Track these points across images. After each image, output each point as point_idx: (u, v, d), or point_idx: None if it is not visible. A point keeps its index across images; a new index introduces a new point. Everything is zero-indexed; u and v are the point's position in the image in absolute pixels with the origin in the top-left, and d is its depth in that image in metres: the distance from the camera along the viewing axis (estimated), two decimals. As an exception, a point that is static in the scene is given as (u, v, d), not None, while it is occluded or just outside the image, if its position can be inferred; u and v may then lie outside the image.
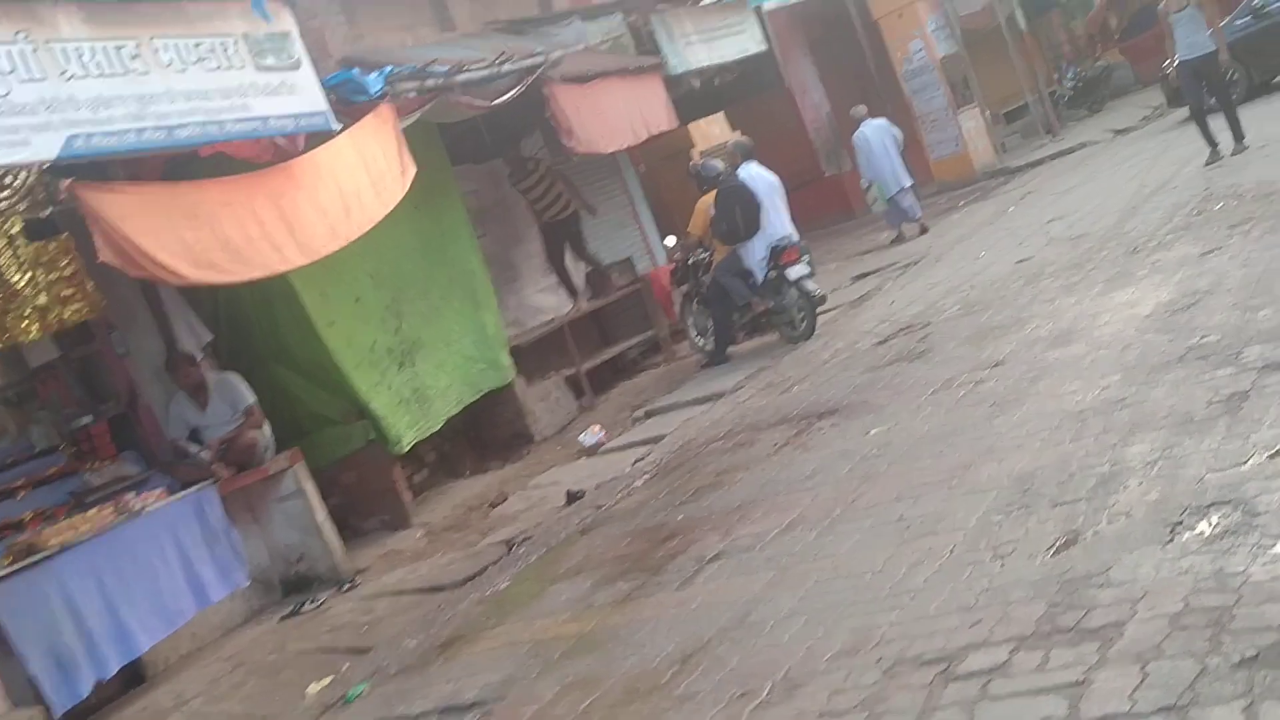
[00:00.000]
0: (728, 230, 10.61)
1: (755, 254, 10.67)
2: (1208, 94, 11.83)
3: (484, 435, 10.93)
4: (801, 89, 20.58)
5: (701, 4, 13.57)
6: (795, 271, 10.58)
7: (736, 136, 16.07)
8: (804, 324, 10.73)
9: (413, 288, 9.92)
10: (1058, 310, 7.94)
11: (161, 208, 6.90)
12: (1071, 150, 18.14)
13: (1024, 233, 11.99)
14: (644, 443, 9.32)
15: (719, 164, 11.14)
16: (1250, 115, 12.21)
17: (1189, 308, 6.66)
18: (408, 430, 9.40)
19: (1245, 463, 4.27)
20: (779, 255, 10.60)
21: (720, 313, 11.08)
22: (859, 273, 13.76)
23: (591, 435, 9.94)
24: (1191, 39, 11.76)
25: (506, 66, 9.72)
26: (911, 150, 18.65)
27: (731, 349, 11.35)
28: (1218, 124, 11.48)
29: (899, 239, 15.68)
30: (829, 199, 20.81)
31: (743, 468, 7.21)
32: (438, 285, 10.13)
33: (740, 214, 10.52)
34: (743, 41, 13.82)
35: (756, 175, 10.82)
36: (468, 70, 9.28)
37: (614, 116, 10.92)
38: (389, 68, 8.77)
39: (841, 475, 6.21)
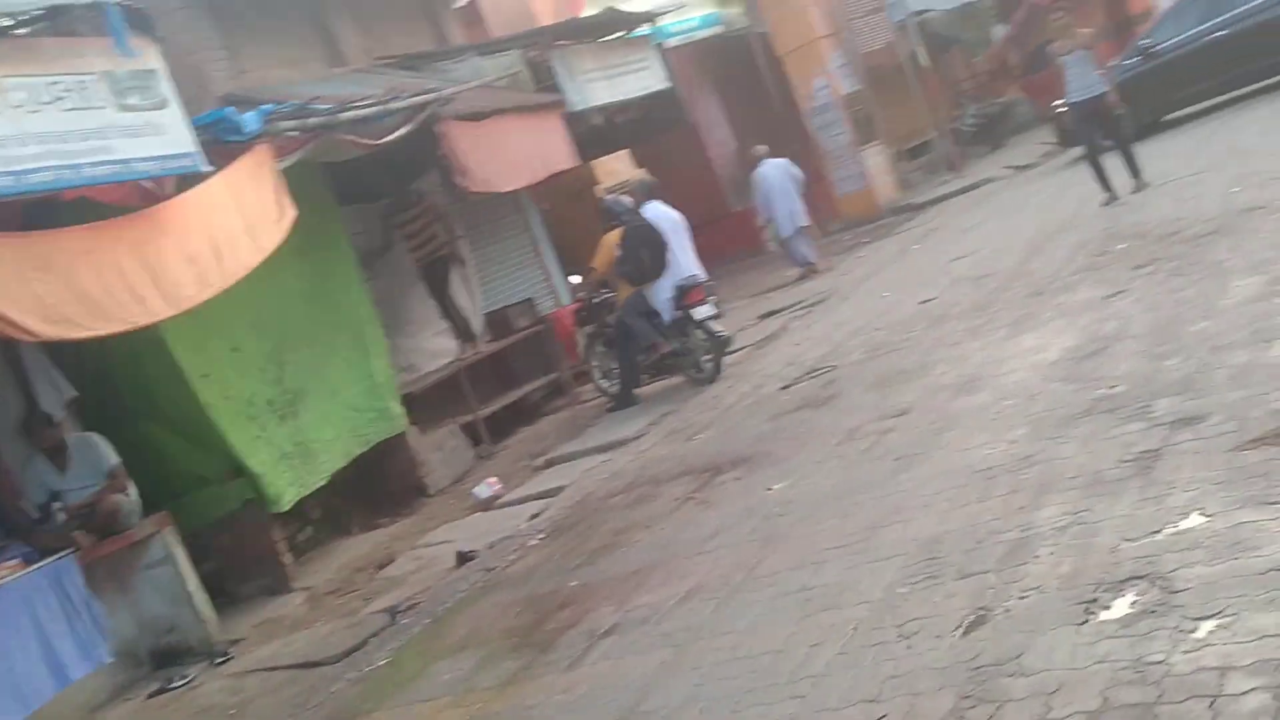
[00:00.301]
0: (634, 270, 10.30)
1: (661, 294, 10.36)
2: (1102, 135, 11.71)
3: (375, 488, 10.43)
4: (708, 126, 20.50)
5: (602, 40, 13.29)
6: (701, 312, 10.30)
7: (642, 174, 15.89)
8: (710, 366, 10.44)
9: (297, 335, 9.43)
10: (963, 355, 7.74)
11: (10, 259, 6.37)
12: (974, 187, 18.20)
13: (928, 272, 11.86)
14: (541, 496, 8.92)
15: (628, 200, 10.83)
16: (1143, 154, 12.22)
17: (1095, 355, 6.47)
18: (289, 488, 8.90)
19: (1160, 531, 4.02)
20: (685, 295, 10.31)
21: (625, 354, 10.75)
22: (766, 311, 13.54)
23: (487, 488, 9.52)
24: (1082, 80, 11.68)
25: (395, 104, 9.32)
26: (816, 187, 18.62)
27: (637, 391, 11.03)
28: (1114, 164, 11.42)
29: (803, 275, 15.56)
30: (737, 235, 20.66)
31: (642, 526, 6.86)
32: (324, 332, 9.66)
33: (647, 253, 10.22)
34: (645, 79, 13.57)
35: (661, 214, 10.55)
36: (353, 108, 8.86)
37: (511, 155, 10.56)
38: (268, 106, 8.33)
39: (743, 537, 5.89)
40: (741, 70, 20.37)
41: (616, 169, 15.62)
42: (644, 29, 13.78)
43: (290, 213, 8.18)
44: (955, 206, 17.17)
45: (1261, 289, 6.42)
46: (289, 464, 9.02)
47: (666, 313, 10.35)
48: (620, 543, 6.70)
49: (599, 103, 12.51)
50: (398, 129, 9.48)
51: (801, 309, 12.90)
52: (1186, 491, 4.25)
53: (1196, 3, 15.66)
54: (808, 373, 9.21)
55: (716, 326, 10.38)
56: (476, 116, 10.19)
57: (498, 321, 12.36)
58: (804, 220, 15.56)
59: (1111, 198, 11.19)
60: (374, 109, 9.06)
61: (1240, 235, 7.88)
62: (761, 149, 16.15)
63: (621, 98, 12.98)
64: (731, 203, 20.70)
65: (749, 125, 20.58)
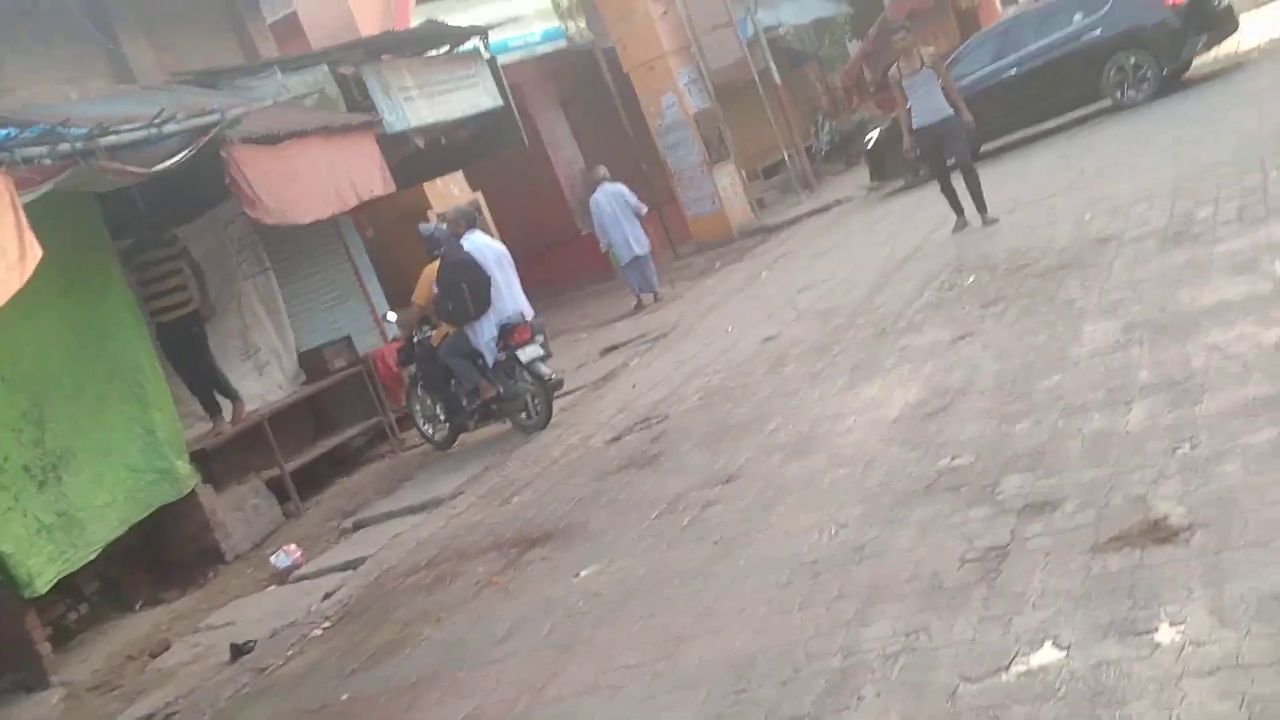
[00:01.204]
0: (454, 309, 9.36)
1: (484, 334, 9.45)
2: (950, 160, 11.04)
3: (163, 555, 9.28)
4: (554, 144, 19.69)
5: (427, 56, 12.31)
6: (528, 353, 9.41)
7: (464, 202, 14.96)
8: (539, 412, 9.55)
9: (60, 389, 8.25)
10: (800, 406, 7.01)
11: None
12: (827, 208, 17.72)
13: (774, 303, 11.19)
14: (342, 568, 7.93)
15: (445, 229, 9.86)
16: (992, 176, 11.78)
17: (939, 413, 5.78)
18: (49, 565, 7.74)
19: (1007, 668, 3.27)
20: (510, 335, 9.41)
21: (448, 398, 9.81)
22: (608, 345, 12.73)
23: (286, 556, 8.47)
24: (928, 103, 10.87)
25: (170, 126, 8.21)
26: (669, 209, 17.91)
27: (464, 436, 10.11)
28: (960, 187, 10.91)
29: (639, 306, 14.92)
30: (586, 258, 19.82)
31: (434, 618, 5.94)
32: (94, 384, 8.49)
33: (468, 290, 9.29)
34: (475, 96, 12.62)
35: (483, 245, 9.61)
36: (115, 131, 7.73)
37: (313, 181, 9.51)
38: (6, 130, 7.17)
39: (539, 639, 5.01)
40: (588, 87, 19.59)
41: (449, 192, 14.63)
42: (472, 44, 12.84)
43: (35, 251, 6.99)
44: (808, 229, 16.64)
45: (1116, 336, 5.81)
46: (49, 538, 7.85)
47: (490, 354, 9.44)
48: (407, 639, 5.77)
49: (421, 123, 11.51)
50: (176, 154, 8.37)
51: (644, 343, 12.13)
52: (1038, 609, 3.51)
53: (987, 42, 15.50)
54: (639, 421, 8.39)
55: (545, 369, 9.50)
56: (271, 139, 9.12)
57: (314, 362, 11.26)
58: (641, 248, 14.85)
59: (963, 223, 10.66)
60: (141, 133, 7.94)
61: (1092, 270, 7.32)
62: (601, 171, 15.44)
63: (447, 117, 12.00)
64: (580, 225, 19.89)
65: (597, 144, 19.82)
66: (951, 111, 10.87)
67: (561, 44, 18.13)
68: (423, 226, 9.83)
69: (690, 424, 7.74)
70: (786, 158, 20.42)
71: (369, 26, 14.11)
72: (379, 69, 11.15)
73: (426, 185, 14.25)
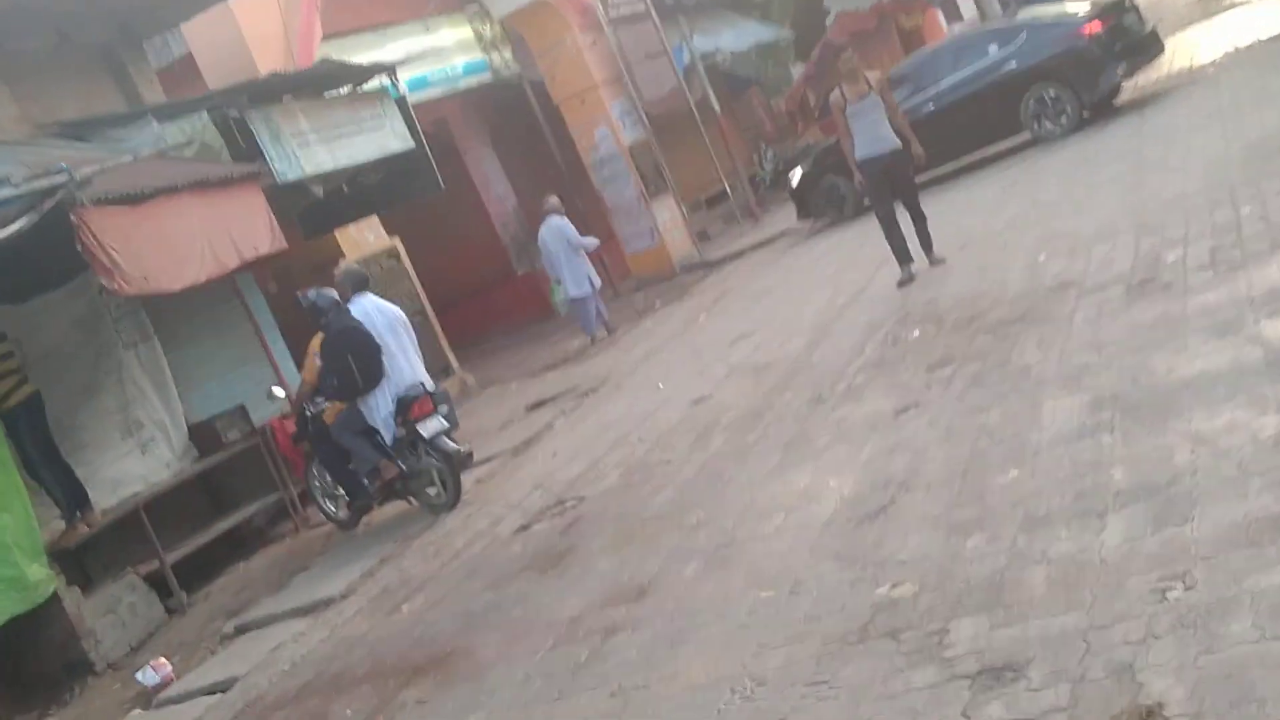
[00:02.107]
0: (340, 386, 8.39)
1: (380, 409, 8.47)
2: (895, 197, 9.86)
3: (24, 669, 8.23)
4: (485, 182, 18.80)
5: (329, 96, 11.34)
6: (430, 427, 8.45)
7: (394, 244, 13.99)
8: (447, 491, 8.58)
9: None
10: (724, 496, 6.10)
11: None
12: (770, 241, 16.90)
13: (708, 354, 10.31)
14: (210, 689, 6.92)
15: (332, 294, 8.88)
16: (942, 206, 10.97)
17: (878, 514, 4.88)
18: None
19: None
20: (409, 408, 8.44)
21: (347, 478, 8.81)
22: (537, 399, 11.78)
23: (153, 673, 7.44)
24: (875, 132, 9.66)
25: (4, 191, 7.22)
26: (607, 245, 16.98)
27: (372, 512, 9.13)
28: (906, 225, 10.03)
29: (594, 342, 14.18)
30: (524, 300, 18.99)
31: (286, 780, 4.94)
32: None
33: (355, 363, 8.32)
34: (383, 139, 11.66)
35: (373, 310, 8.62)
36: (-67, 198, 6.73)
37: (185, 243, 8.52)
38: None
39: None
40: (519, 120, 18.72)
41: (364, 239, 13.64)
42: (379, 82, 11.89)
43: None
44: (751, 264, 15.81)
45: (1081, 417, 4.94)
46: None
47: (388, 431, 8.46)
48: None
49: (318, 170, 10.53)
50: (15, 220, 7.37)
51: (573, 399, 11.19)
52: None
53: (905, 76, 14.79)
54: (553, 505, 7.46)
55: (450, 443, 8.52)
56: (133, 198, 8.11)
57: (205, 435, 10.24)
58: (578, 289, 14.04)
59: (909, 278, 9.48)
60: (-35, 198, 6.95)
61: (1050, 325, 6.47)
62: (549, 202, 14.59)
63: (349, 163, 11.04)
64: (516, 264, 18.98)
65: (532, 181, 18.92)
66: (899, 143, 9.72)
67: (487, 77, 17.21)
68: (304, 294, 8.82)
69: (605, 511, 6.81)
70: (728, 188, 19.57)
71: (270, 66, 13.13)
72: (269, 113, 10.17)
73: (339, 233, 13.22)
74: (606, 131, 17.53)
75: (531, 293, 18.84)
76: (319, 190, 10.84)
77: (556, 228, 14.32)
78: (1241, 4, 18.72)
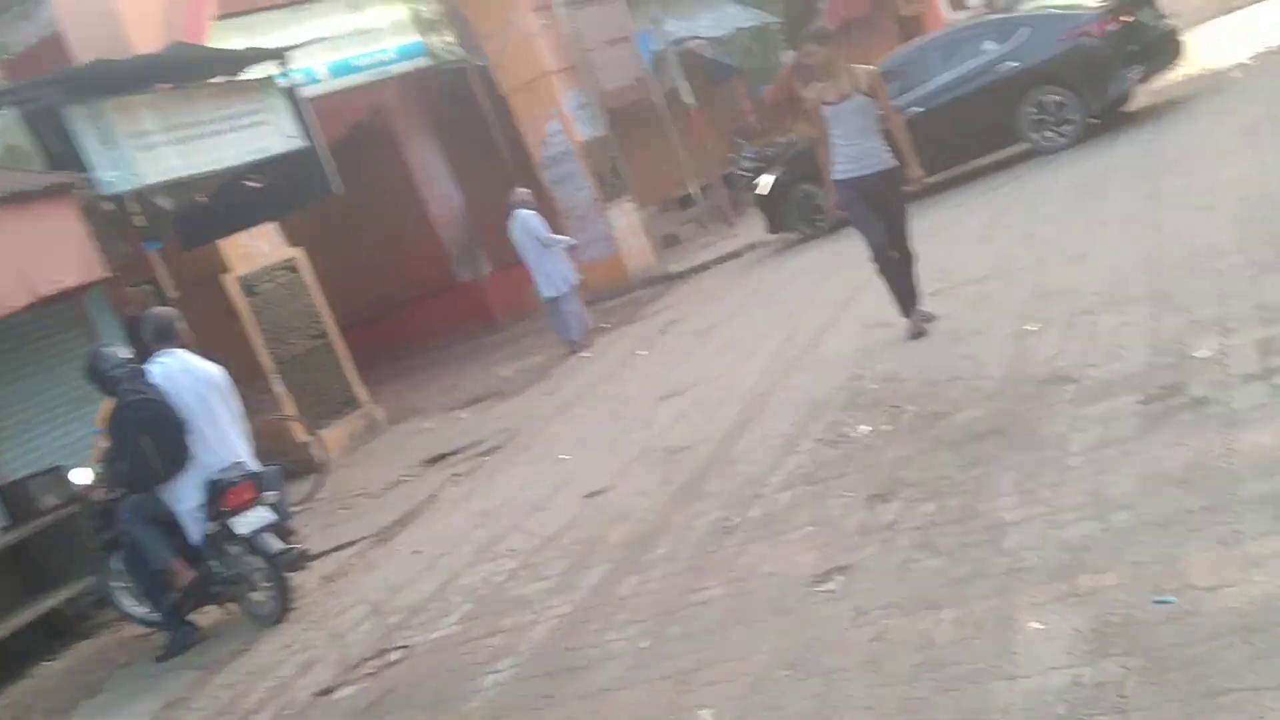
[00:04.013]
0: (132, 473, 6.60)
1: (185, 498, 6.68)
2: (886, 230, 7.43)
3: None
4: (426, 178, 16.98)
5: (181, 88, 9.48)
6: (249, 522, 6.65)
7: (295, 255, 12.16)
8: (272, 601, 6.79)
9: None
10: (571, 686, 4.29)
11: None
12: (737, 254, 15.12)
13: (630, 415, 8.53)
14: None
15: (122, 352, 7.07)
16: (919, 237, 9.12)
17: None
18: None
19: None
20: (221, 496, 6.64)
21: (144, 577, 7.03)
22: (438, 452, 10.00)
23: None
24: (861, 145, 7.23)
25: None
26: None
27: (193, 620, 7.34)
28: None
29: (574, 352, 12.56)
30: (467, 308, 17.22)
31: None
32: None
33: (155, 443, 6.52)
34: (263, 137, 9.82)
35: (179, 373, 6.76)
36: None
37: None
38: None
39: None
40: (465, 112, 16.85)
41: (257, 249, 11.76)
42: (264, 69, 10.04)
43: None
44: (711, 281, 14.05)
45: (1076, 659, 3.14)
46: None
47: (195, 525, 6.67)
48: None
49: (166, 177, 8.73)
50: None
51: (474, 456, 9.44)
52: None
53: (888, 76, 12.88)
54: (375, 653, 5.66)
55: (275, 541, 6.72)
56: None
57: (18, 499, 8.46)
58: (551, 289, 12.54)
59: (920, 322, 7.24)
60: None
61: (1036, 451, 4.67)
62: (516, 194, 12.96)
63: (212, 167, 9.23)
64: (457, 270, 17.16)
65: (480, 178, 17.09)
66: (892, 162, 7.30)
67: (424, 62, 15.33)
68: (90, 353, 7.04)
69: (421, 684, 5.02)
70: (694, 191, 17.71)
71: (151, 49, 11.28)
72: (98, 110, 8.33)
73: (227, 244, 11.39)
74: (558, 126, 15.73)
75: (473, 301, 17.09)
76: (167, 203, 9.02)
77: (524, 221, 12.63)
78: (1264, -1, 16.89)
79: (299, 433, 11.26)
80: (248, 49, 10.02)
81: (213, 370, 6.88)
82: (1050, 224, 8.90)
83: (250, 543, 6.64)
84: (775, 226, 14.05)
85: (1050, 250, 8.00)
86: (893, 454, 5.32)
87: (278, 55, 10.45)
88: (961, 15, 29.04)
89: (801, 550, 4.66)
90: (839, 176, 7.38)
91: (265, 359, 11.43)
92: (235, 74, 9.91)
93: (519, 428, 9.79)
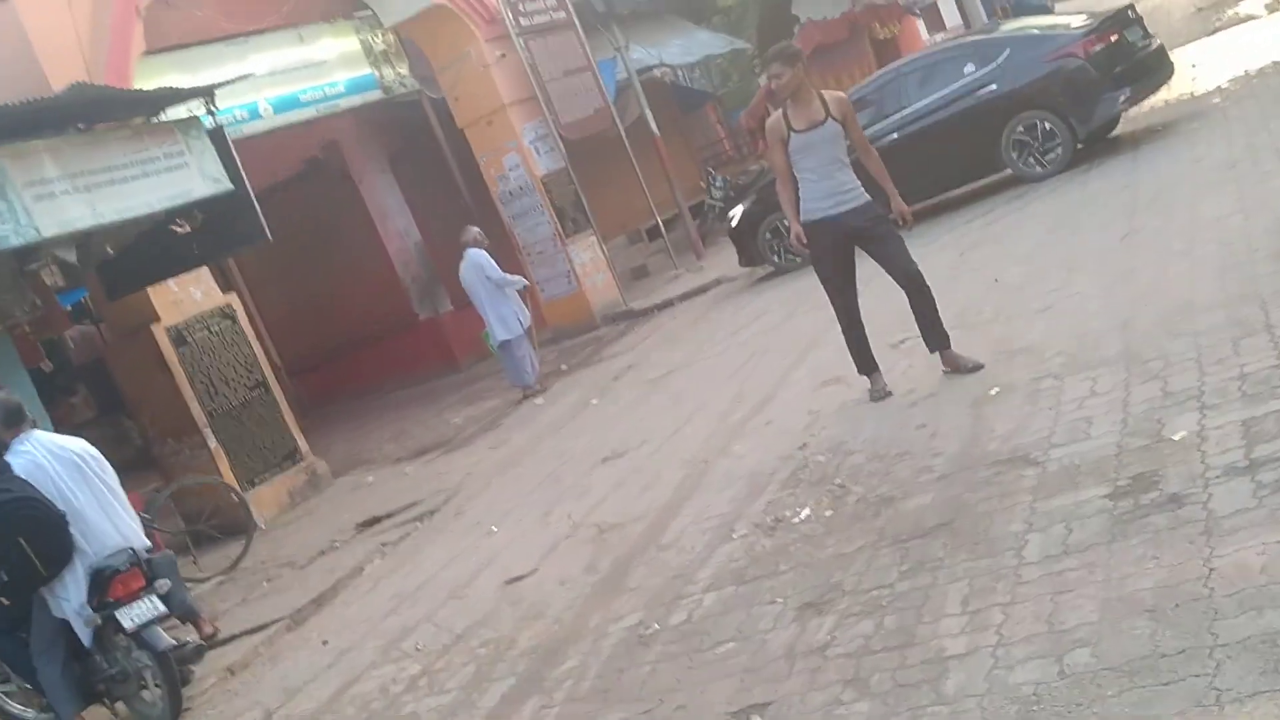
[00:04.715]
0: (13, 581, 5.91)
1: (69, 599, 5.99)
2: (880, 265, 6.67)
3: None
4: (382, 213, 16.35)
5: (99, 128, 8.87)
6: (136, 615, 5.98)
7: (230, 300, 11.52)
8: (162, 702, 6.12)
9: None
10: None
11: None
12: (704, 289, 14.51)
13: (568, 479, 7.93)
14: None
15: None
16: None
17: None
18: None
19: None
20: (108, 586, 5.98)
21: (26, 674, 6.36)
22: (371, 516, 9.35)
23: None
24: (832, 180, 6.39)
25: None
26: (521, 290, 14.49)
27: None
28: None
29: (527, 397, 12.01)
30: (426, 348, 16.56)
31: None
32: None
33: (31, 546, 5.84)
34: (184, 181, 9.17)
35: (46, 457, 6.05)
36: None
37: None
38: None
39: None
40: (421, 146, 16.27)
41: (189, 296, 11.10)
42: (182, 110, 9.43)
43: None
44: (676, 320, 13.45)
45: None
46: None
47: (82, 624, 5.99)
48: None
49: (70, 229, 8.07)
50: None
51: (408, 522, 8.80)
52: None
53: (863, 101, 12.36)
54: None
55: (163, 636, 6.08)
56: None
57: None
58: (506, 331, 11.95)
59: (879, 389, 6.58)
60: None
61: (989, 558, 4.06)
62: (468, 233, 12.35)
63: (125, 215, 8.55)
64: (418, 308, 16.54)
65: (438, 212, 16.49)
66: (866, 197, 6.50)
67: (376, 95, 14.73)
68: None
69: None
70: (660, 224, 17.11)
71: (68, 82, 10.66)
72: (-10, 157, 7.71)
73: (155, 291, 10.76)
74: (517, 159, 15.10)
75: (434, 340, 16.45)
76: (71, 255, 8.40)
77: (474, 262, 12.05)
78: (1245, 19, 16.42)
79: (233, 489, 10.62)
80: (161, 89, 9.40)
81: (79, 447, 6.20)
82: (1019, 266, 8.31)
83: (138, 637, 5.98)
84: (747, 259, 13.42)
85: (1016, 299, 7.40)
86: (832, 548, 4.70)
87: (203, 93, 9.84)
88: (939, 37, 28.69)
89: (720, 675, 4.03)
90: (810, 218, 6.49)
91: (198, 412, 10.79)
92: (154, 115, 9.30)
93: (458, 487, 9.17)
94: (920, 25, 27.95)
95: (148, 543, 6.31)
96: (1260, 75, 11.68)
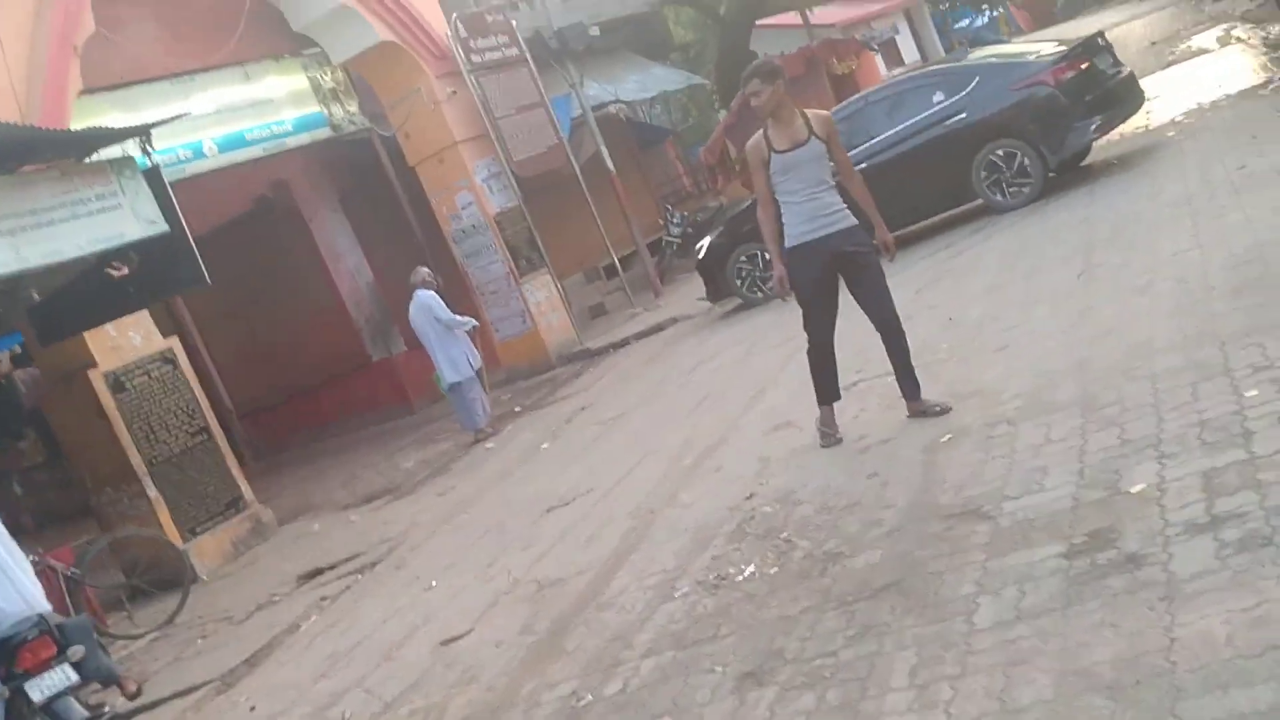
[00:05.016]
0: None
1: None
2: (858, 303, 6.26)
3: None
4: (333, 253, 16.07)
5: (27, 170, 8.56)
6: (48, 686, 5.62)
7: (170, 344, 11.17)
8: (76, 776, 5.77)
9: None
10: None
11: None
12: (660, 328, 14.28)
13: (512, 530, 7.64)
14: None
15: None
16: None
17: None
18: None
19: None
20: (14, 656, 5.63)
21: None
22: (313, 568, 9.02)
23: None
24: (818, 202, 5.99)
25: None
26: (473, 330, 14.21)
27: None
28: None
29: (478, 440, 11.75)
30: (380, 389, 16.24)
31: None
32: None
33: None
34: (117, 223, 8.85)
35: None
36: None
37: None
38: None
39: None
40: (370, 183, 16.00)
41: (128, 341, 10.76)
42: (117, 150, 9.14)
43: None
44: (631, 359, 13.20)
45: None
46: None
47: (-6, 702, 5.65)
48: None
49: (-9, 274, 7.78)
50: None
51: (349, 573, 8.48)
52: None
53: (840, 128, 12.27)
54: None
55: (76, 708, 5.72)
56: None
57: None
58: (456, 374, 11.70)
59: (830, 434, 6.27)
60: None
61: (938, 623, 3.82)
62: (417, 274, 12.08)
63: (51, 259, 8.25)
64: (371, 348, 16.22)
65: (389, 251, 16.22)
66: (853, 220, 6.11)
67: (325, 133, 14.46)
68: None
69: None
70: (617, 262, 16.90)
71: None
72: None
73: (92, 337, 10.41)
74: (470, 197, 14.86)
75: (388, 381, 16.13)
76: (-11, 301, 8.07)
77: (423, 303, 11.78)
78: (1199, 53, 16.50)
79: (171, 541, 10.26)
80: (92, 128, 9.14)
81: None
82: (977, 303, 8.12)
83: (50, 710, 5.63)
84: (714, 293, 13.13)
85: (973, 338, 7.20)
86: (776, 609, 4.44)
87: (138, 133, 9.56)
88: (898, 72, 28.80)
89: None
90: (795, 241, 6.07)
91: (137, 460, 10.43)
92: (87, 155, 8.99)
93: (402, 537, 8.86)
94: (879, 61, 28.06)
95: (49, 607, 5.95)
96: (1214, 108, 11.65)
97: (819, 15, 25.74)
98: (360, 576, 8.22)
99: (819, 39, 23.54)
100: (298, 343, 16.65)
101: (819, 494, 5.57)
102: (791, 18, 25.86)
